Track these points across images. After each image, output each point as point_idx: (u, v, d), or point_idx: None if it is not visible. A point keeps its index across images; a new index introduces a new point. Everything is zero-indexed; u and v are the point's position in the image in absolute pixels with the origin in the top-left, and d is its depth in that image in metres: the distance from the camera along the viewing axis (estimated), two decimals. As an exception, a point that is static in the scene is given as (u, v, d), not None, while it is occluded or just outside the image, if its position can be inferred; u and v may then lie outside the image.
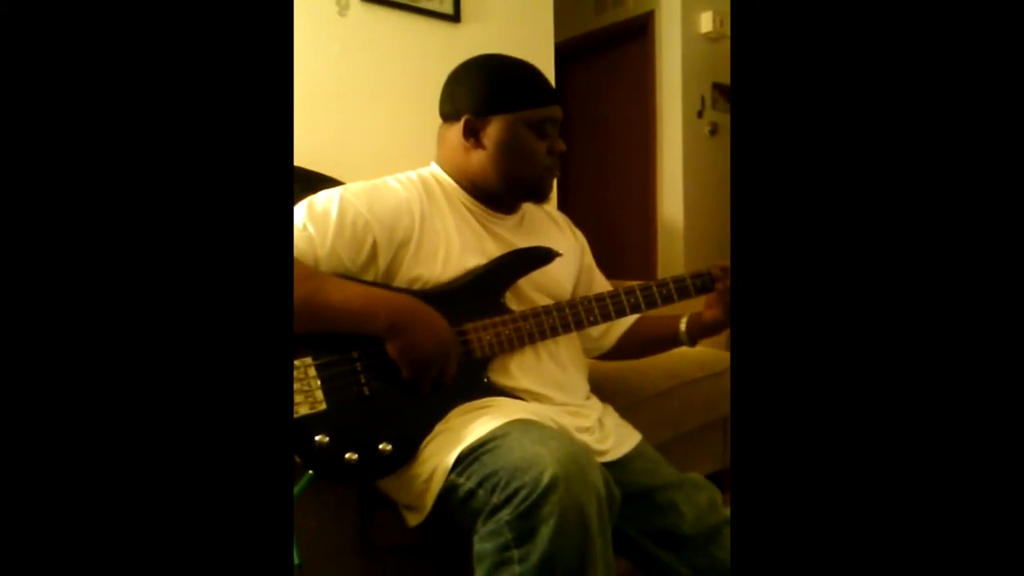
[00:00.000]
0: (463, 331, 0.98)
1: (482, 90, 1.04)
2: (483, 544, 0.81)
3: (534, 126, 1.04)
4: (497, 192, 1.07)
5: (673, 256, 3.38)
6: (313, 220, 0.94)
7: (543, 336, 1.02)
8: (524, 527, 0.77)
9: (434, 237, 1.01)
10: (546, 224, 1.20)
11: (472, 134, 1.05)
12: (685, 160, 3.32)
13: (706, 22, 3.32)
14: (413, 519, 0.95)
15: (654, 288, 1.08)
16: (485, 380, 0.99)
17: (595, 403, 1.12)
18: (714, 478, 1.02)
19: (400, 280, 0.99)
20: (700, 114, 3.37)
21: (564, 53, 3.37)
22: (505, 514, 0.79)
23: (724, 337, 1.79)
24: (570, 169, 3.75)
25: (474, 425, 0.90)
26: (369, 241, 0.96)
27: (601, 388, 1.19)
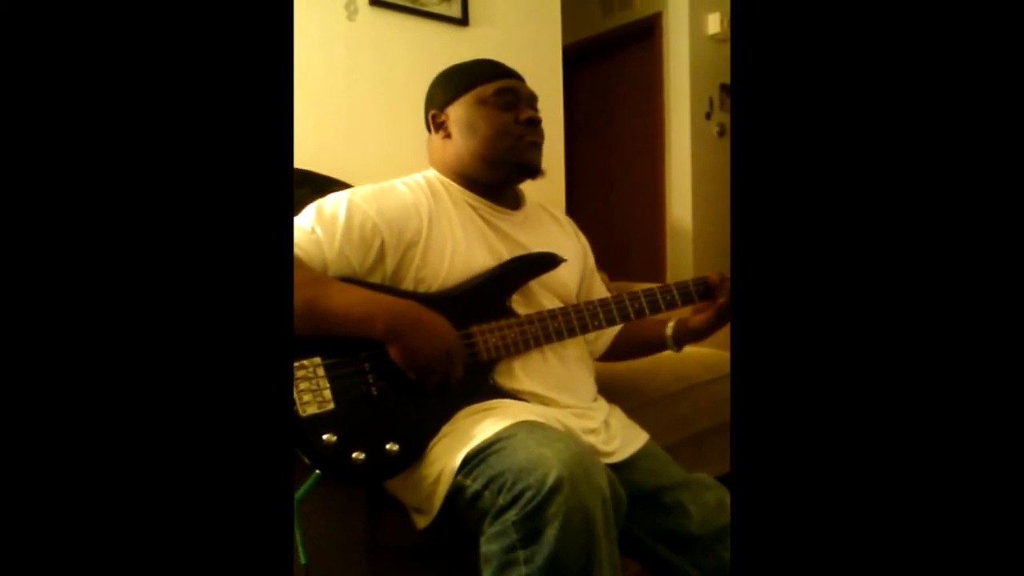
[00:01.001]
0: (469, 333, 0.98)
1: (439, 88, 1.12)
2: (489, 545, 0.81)
3: (489, 101, 1.07)
4: (484, 176, 1.08)
5: (682, 258, 3.38)
6: (322, 223, 0.95)
7: (548, 340, 1.03)
8: (530, 528, 0.78)
9: (441, 238, 1.01)
10: (550, 224, 1.21)
11: (440, 127, 1.11)
12: (693, 162, 3.31)
13: (714, 23, 3.32)
14: (421, 521, 0.96)
15: (658, 293, 1.09)
16: (491, 382, 1.00)
17: (602, 404, 1.12)
18: (722, 480, 1.02)
19: (407, 282, 1.00)
20: (708, 115, 3.37)
21: (571, 55, 3.37)
22: (511, 515, 0.79)
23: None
24: (577, 171, 3.75)
25: (480, 427, 0.90)
26: (377, 243, 0.97)
27: (609, 390, 1.19)
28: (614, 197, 3.75)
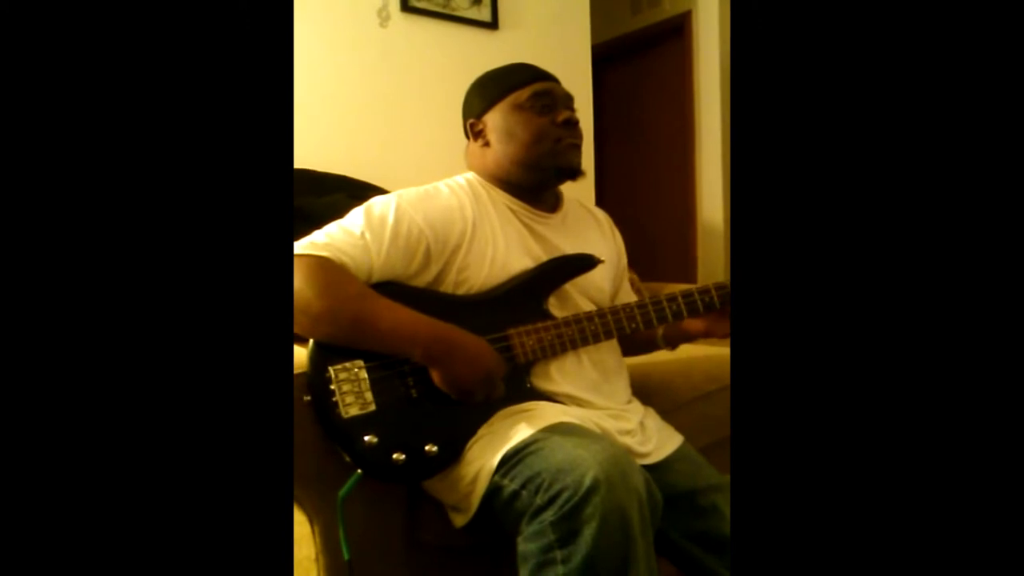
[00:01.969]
0: (506, 336, 1.00)
1: (475, 96, 1.13)
2: (527, 544, 0.83)
3: (525, 106, 1.08)
4: (524, 180, 1.09)
5: (714, 258, 3.36)
6: (371, 229, 0.97)
7: (584, 342, 1.04)
8: (567, 528, 0.79)
9: (483, 241, 1.03)
10: (589, 225, 1.22)
11: (478, 135, 1.12)
12: (724, 161, 3.29)
13: (745, 21, 3.28)
14: (459, 519, 0.98)
15: (696, 295, 1.08)
16: (528, 385, 1.01)
17: (637, 406, 1.13)
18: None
19: (448, 284, 1.02)
20: (739, 114, 3.34)
21: (600, 55, 3.37)
22: (548, 515, 0.81)
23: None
24: (607, 170, 3.75)
25: (517, 428, 0.92)
26: (422, 249, 0.99)
27: (642, 391, 1.20)
28: (644, 196, 3.74)
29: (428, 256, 1.00)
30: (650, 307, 1.07)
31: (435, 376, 0.93)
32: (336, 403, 0.91)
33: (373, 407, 0.92)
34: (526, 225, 1.10)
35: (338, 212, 1.59)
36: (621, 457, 0.83)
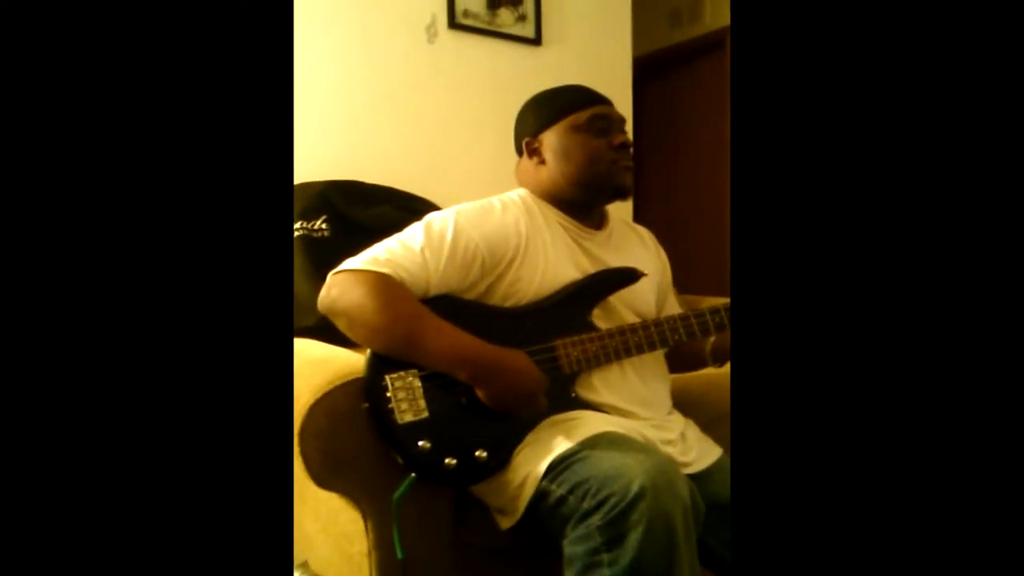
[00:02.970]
0: (552, 347, 1.04)
1: (531, 115, 1.18)
2: (574, 547, 0.87)
3: (583, 127, 1.12)
4: (577, 198, 1.14)
5: (750, 271, 3.34)
6: (430, 246, 1.03)
7: (628, 353, 1.07)
8: (614, 532, 0.83)
9: (535, 255, 1.08)
10: (633, 241, 1.25)
11: (534, 153, 1.16)
12: (763, 174, 3.28)
13: (786, 35, 3.28)
14: (505, 522, 1.02)
15: None
16: (573, 395, 1.05)
17: (678, 417, 1.16)
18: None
19: (497, 296, 1.07)
20: (779, 127, 3.33)
21: (639, 68, 3.40)
22: (596, 520, 0.84)
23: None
24: (644, 184, 3.77)
25: (564, 436, 0.96)
26: (478, 264, 1.04)
27: (682, 403, 1.23)
28: (681, 210, 3.75)
29: (482, 270, 1.05)
30: (692, 319, 1.10)
31: (481, 395, 0.98)
32: (392, 409, 0.96)
33: (426, 414, 0.97)
34: (575, 241, 1.14)
35: (385, 223, 1.65)
36: (667, 466, 0.86)
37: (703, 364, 1.25)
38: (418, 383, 0.98)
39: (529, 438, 1.00)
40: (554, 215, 1.14)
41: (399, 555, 0.96)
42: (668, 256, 1.33)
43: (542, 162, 1.15)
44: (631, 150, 1.14)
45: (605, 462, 0.87)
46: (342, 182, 1.76)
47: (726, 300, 1.15)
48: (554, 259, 1.09)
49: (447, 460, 0.96)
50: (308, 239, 1.55)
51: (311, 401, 0.96)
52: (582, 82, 1.21)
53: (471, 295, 1.07)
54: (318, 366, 1.05)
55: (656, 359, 1.17)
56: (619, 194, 1.15)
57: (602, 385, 1.07)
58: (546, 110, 1.16)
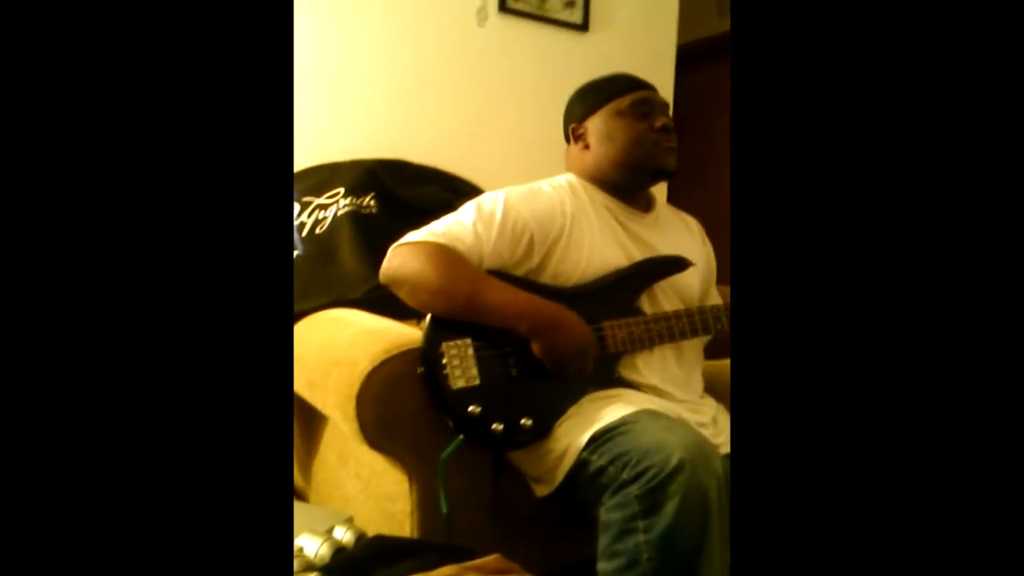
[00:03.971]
0: (600, 328, 1.09)
1: (577, 102, 1.24)
2: (611, 514, 0.92)
3: (626, 112, 1.17)
4: (621, 180, 1.19)
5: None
6: (482, 221, 1.09)
7: (672, 339, 1.12)
8: (651, 501, 0.88)
9: (580, 236, 1.13)
10: (680, 228, 1.30)
11: (579, 138, 1.22)
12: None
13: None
14: (541, 490, 1.08)
15: None
16: (616, 374, 1.10)
17: (710, 401, 1.21)
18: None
19: (547, 275, 1.12)
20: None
21: (683, 56, 3.39)
22: (634, 489, 0.90)
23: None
24: (682, 170, 3.77)
25: (606, 411, 1.02)
26: (526, 240, 1.10)
27: (714, 387, 1.28)
28: (718, 197, 3.75)
29: (531, 246, 1.11)
30: (734, 309, 1.14)
31: (537, 348, 1.03)
32: (447, 375, 1.02)
33: (477, 381, 1.03)
34: (621, 223, 1.19)
35: (431, 202, 1.71)
36: (703, 442, 0.92)
37: None
38: (471, 352, 1.04)
39: (572, 411, 1.06)
40: (601, 198, 1.19)
41: (444, 510, 1.02)
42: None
43: (587, 147, 1.21)
44: (673, 132, 1.19)
45: (646, 436, 0.93)
46: (390, 161, 1.81)
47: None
48: (600, 240, 1.14)
49: (495, 425, 1.02)
50: (356, 215, 1.60)
51: (369, 368, 1.02)
52: (626, 68, 1.25)
53: (521, 271, 1.12)
54: (374, 335, 1.12)
55: (694, 344, 1.21)
56: (661, 175, 1.20)
57: (643, 366, 1.12)
58: (591, 97, 1.22)
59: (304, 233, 1.54)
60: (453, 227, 1.09)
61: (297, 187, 1.63)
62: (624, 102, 1.18)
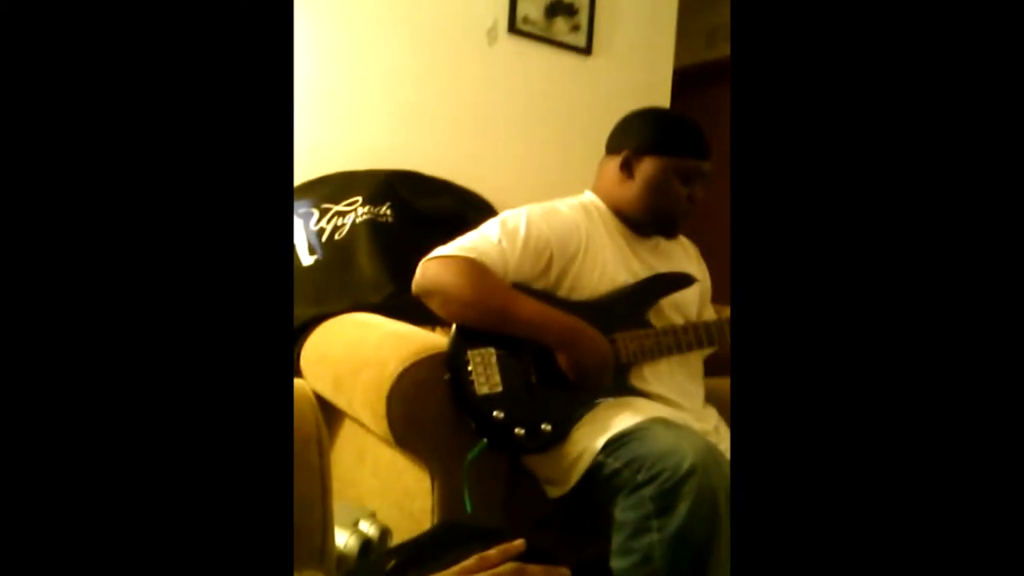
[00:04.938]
0: (612, 339, 1.17)
1: (645, 131, 1.26)
2: (625, 514, 1.00)
3: (681, 173, 1.24)
4: (638, 220, 1.28)
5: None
6: (506, 237, 1.16)
7: (679, 350, 1.20)
8: (665, 503, 0.95)
9: (595, 254, 1.21)
10: (678, 251, 1.39)
11: (627, 167, 1.26)
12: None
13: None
14: (554, 492, 1.15)
15: None
16: (627, 383, 1.18)
17: (712, 411, 1.29)
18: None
19: (563, 290, 1.20)
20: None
21: (679, 80, 3.50)
22: (648, 491, 0.97)
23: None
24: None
25: (620, 417, 1.09)
26: (547, 256, 1.18)
27: (716, 398, 1.35)
28: (714, 222, 3.85)
29: (551, 262, 1.18)
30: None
31: (561, 359, 1.11)
32: (472, 381, 1.09)
33: (500, 388, 1.10)
34: (628, 245, 1.27)
35: (445, 213, 1.77)
36: (713, 448, 0.99)
37: None
38: (495, 360, 1.11)
39: (587, 417, 1.13)
40: (612, 221, 1.28)
41: (468, 509, 1.09)
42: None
43: (630, 177, 1.26)
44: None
45: (660, 441, 1.00)
46: (404, 172, 1.87)
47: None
48: (611, 260, 1.22)
49: (517, 430, 1.09)
50: (374, 223, 1.65)
51: (399, 369, 1.09)
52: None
53: (540, 285, 1.19)
54: (401, 339, 1.18)
55: (697, 357, 1.30)
56: (670, 234, 1.31)
57: (652, 376, 1.20)
58: (661, 139, 1.24)
59: (323, 239, 1.60)
60: (480, 242, 1.16)
61: (315, 194, 1.68)
62: (686, 164, 1.23)
